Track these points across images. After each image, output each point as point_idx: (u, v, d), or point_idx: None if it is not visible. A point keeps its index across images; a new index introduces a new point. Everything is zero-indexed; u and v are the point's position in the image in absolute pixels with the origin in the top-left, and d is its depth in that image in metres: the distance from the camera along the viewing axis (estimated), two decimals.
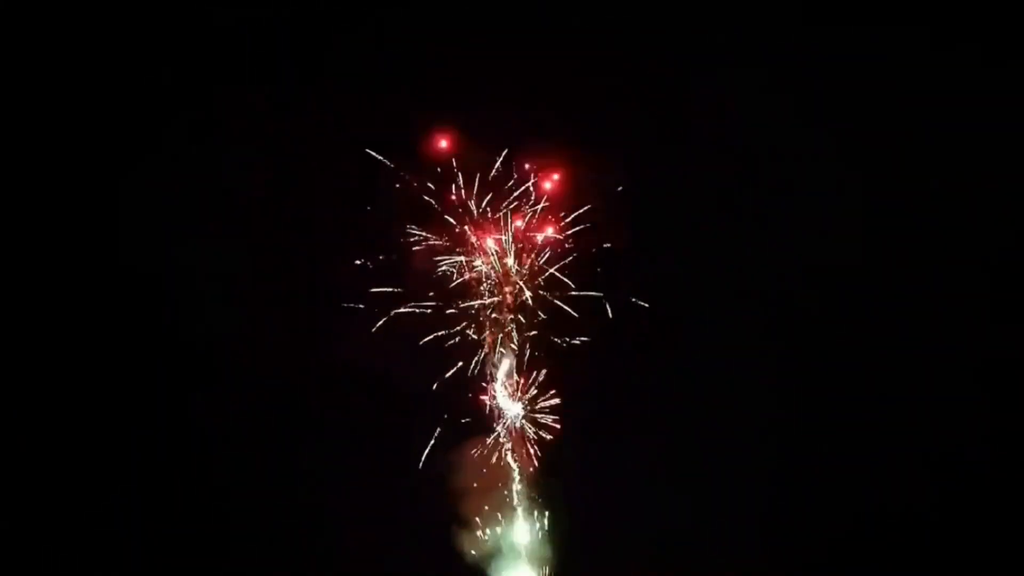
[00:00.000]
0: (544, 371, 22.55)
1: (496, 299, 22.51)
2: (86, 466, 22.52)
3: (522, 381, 22.56)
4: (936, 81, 22.29)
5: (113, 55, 22.46)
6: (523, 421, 22.58)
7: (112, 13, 22.13)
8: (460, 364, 22.32)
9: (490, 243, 22.30)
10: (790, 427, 22.71)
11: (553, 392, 22.57)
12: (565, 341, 22.29)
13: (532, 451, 22.67)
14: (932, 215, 22.62)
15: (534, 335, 22.50)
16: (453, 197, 22.14)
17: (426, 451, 22.21)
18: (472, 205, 22.16)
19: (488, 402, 22.55)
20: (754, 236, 23.12)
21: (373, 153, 21.88)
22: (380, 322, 21.99)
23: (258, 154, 22.43)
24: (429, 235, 22.27)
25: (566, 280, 22.27)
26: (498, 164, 21.89)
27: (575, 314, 22.20)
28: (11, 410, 22.23)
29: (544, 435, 22.56)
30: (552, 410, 22.59)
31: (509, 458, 22.66)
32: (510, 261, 22.44)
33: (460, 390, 22.57)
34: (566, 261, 22.39)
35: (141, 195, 22.40)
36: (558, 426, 22.51)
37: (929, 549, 22.22)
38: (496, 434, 22.60)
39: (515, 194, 22.10)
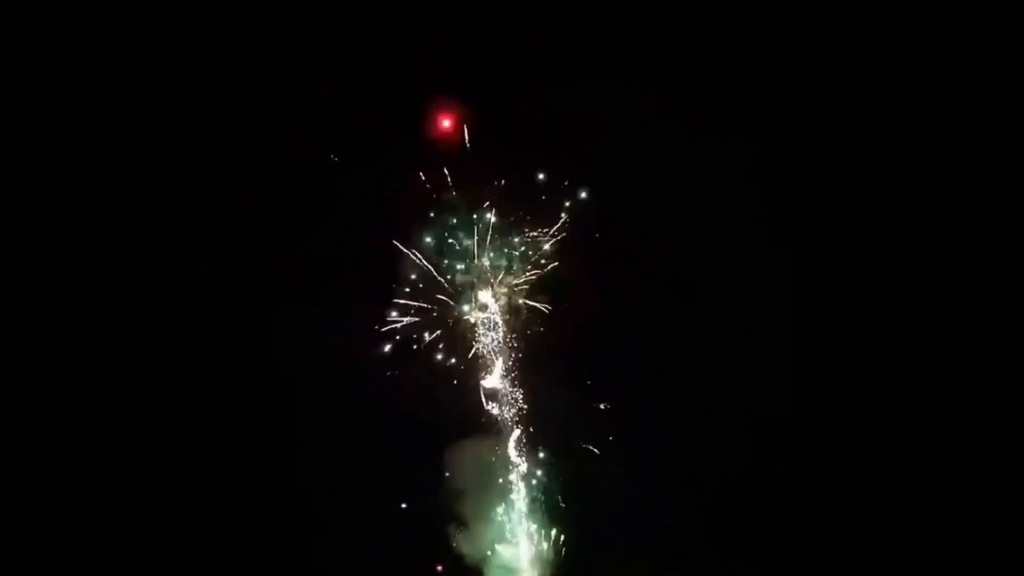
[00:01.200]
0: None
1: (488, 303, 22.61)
2: (86, 467, 22.53)
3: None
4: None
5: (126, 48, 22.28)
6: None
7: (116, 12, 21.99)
8: (459, 364, 22.60)
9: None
10: (789, 428, 22.70)
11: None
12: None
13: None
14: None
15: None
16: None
17: (425, 451, 22.35)
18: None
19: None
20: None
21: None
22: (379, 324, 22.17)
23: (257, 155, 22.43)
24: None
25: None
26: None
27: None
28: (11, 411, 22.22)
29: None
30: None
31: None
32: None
33: (459, 390, 22.79)
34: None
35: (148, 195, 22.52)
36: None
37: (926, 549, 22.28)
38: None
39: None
